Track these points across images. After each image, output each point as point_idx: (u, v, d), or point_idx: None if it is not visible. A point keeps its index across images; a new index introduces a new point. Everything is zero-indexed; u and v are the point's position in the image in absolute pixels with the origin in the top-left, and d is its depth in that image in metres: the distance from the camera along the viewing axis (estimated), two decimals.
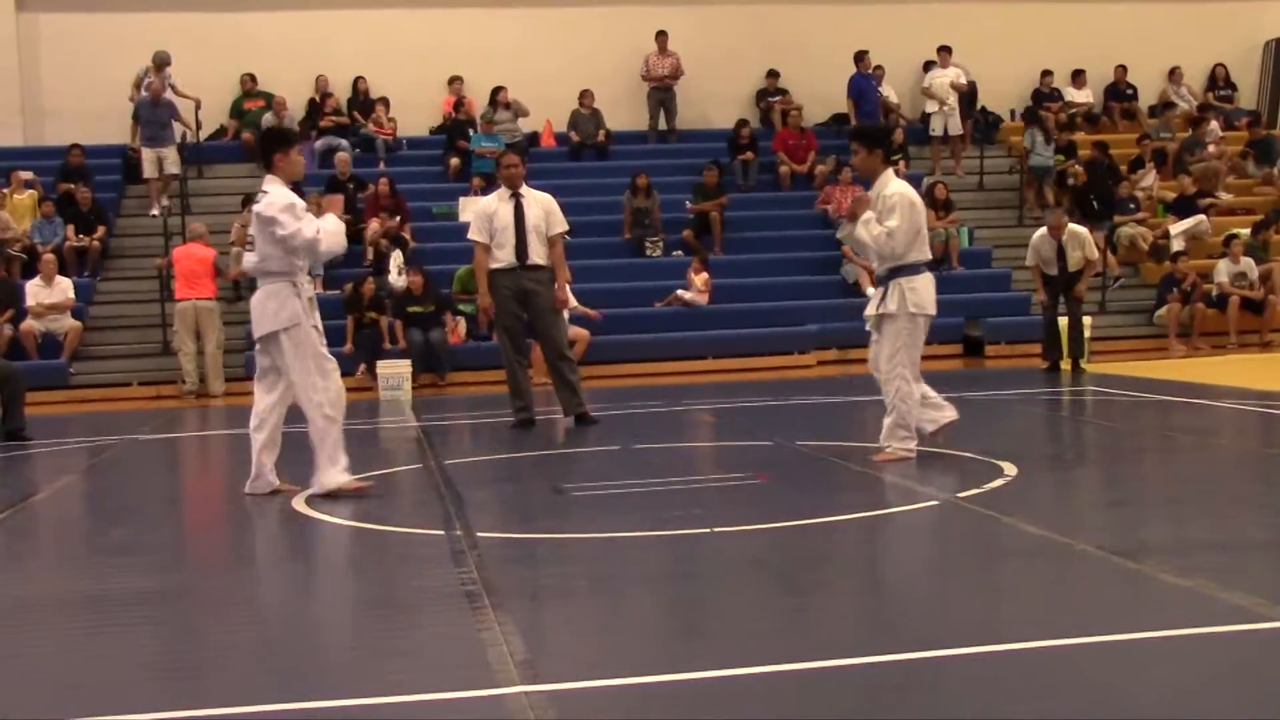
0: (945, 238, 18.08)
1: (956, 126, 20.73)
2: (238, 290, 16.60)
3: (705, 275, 17.02)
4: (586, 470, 8.73)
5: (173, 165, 18.52)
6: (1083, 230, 14.68)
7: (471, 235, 10.68)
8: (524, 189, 10.68)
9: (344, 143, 19.54)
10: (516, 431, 10.49)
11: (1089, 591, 4.92)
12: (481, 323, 11.18)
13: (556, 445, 10.15)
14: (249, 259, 7.59)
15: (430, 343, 15.69)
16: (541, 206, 10.65)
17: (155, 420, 12.97)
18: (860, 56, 20.92)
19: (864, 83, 20.91)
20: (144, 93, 18.59)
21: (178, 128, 18.83)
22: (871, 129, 8.29)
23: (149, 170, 18.40)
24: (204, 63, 19.45)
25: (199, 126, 19.36)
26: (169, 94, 18.74)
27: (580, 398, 10.85)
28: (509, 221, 10.57)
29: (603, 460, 9.17)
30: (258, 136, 8.32)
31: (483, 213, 10.66)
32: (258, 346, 7.70)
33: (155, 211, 18.26)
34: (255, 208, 7.50)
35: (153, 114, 18.40)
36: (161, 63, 18.85)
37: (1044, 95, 21.97)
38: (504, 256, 10.57)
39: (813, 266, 18.25)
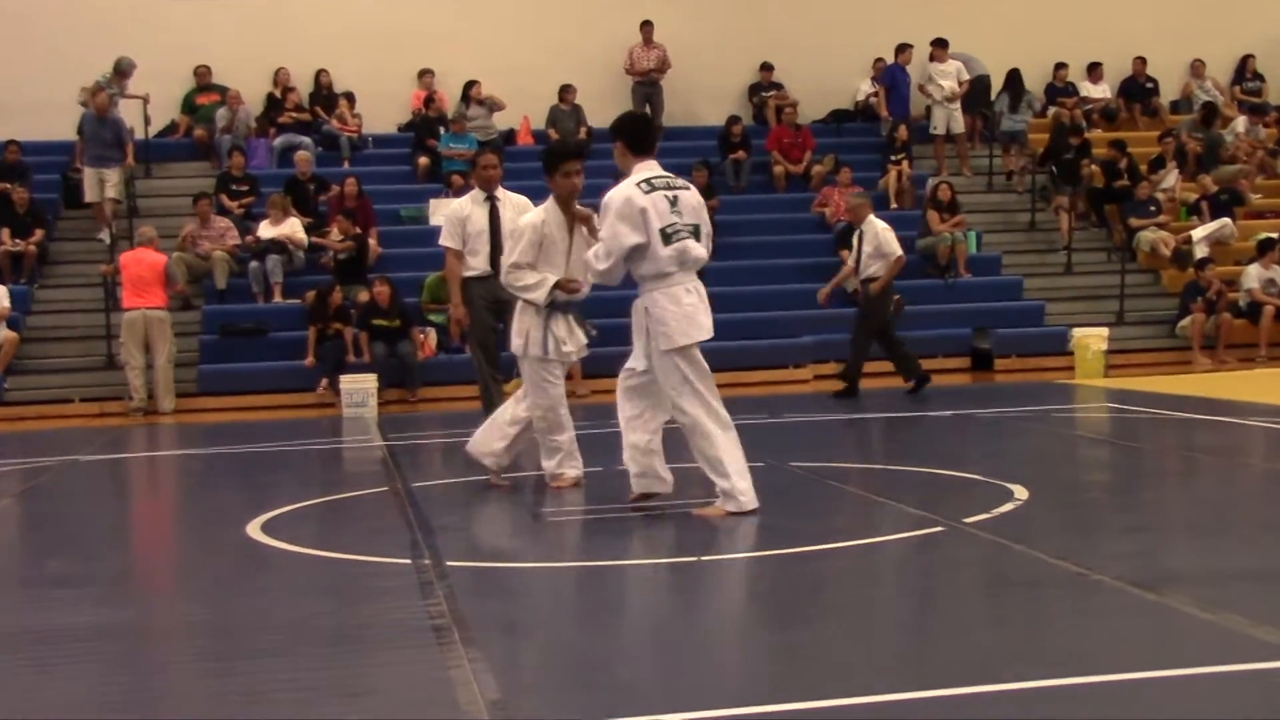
0: (951, 242, 18.13)
1: (959, 124, 20.78)
2: (186, 300, 16.55)
3: None
4: (565, 493, 8.71)
5: (116, 189, 17.72)
6: (880, 224, 14.31)
7: (443, 241, 10.68)
8: (499, 191, 10.69)
9: (305, 140, 19.54)
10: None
11: (1106, 626, 4.92)
12: (454, 334, 11.21)
13: (533, 467, 10.11)
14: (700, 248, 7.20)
15: (398, 356, 15.67)
16: (518, 210, 10.64)
17: (99, 440, 12.92)
18: (902, 49, 20.94)
19: (899, 73, 20.96)
20: (87, 108, 17.84)
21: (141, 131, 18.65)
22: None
23: (90, 193, 17.69)
24: (156, 51, 19.30)
25: (148, 122, 19.28)
26: (117, 109, 18.23)
27: None
28: (484, 226, 10.60)
29: (590, 483, 9.15)
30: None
31: (455, 216, 10.68)
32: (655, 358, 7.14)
33: (104, 236, 17.55)
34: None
35: (98, 131, 17.68)
36: (124, 70, 18.42)
37: (1058, 90, 22.07)
38: (478, 264, 10.58)
39: (809, 274, 18.25)
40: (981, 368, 17.16)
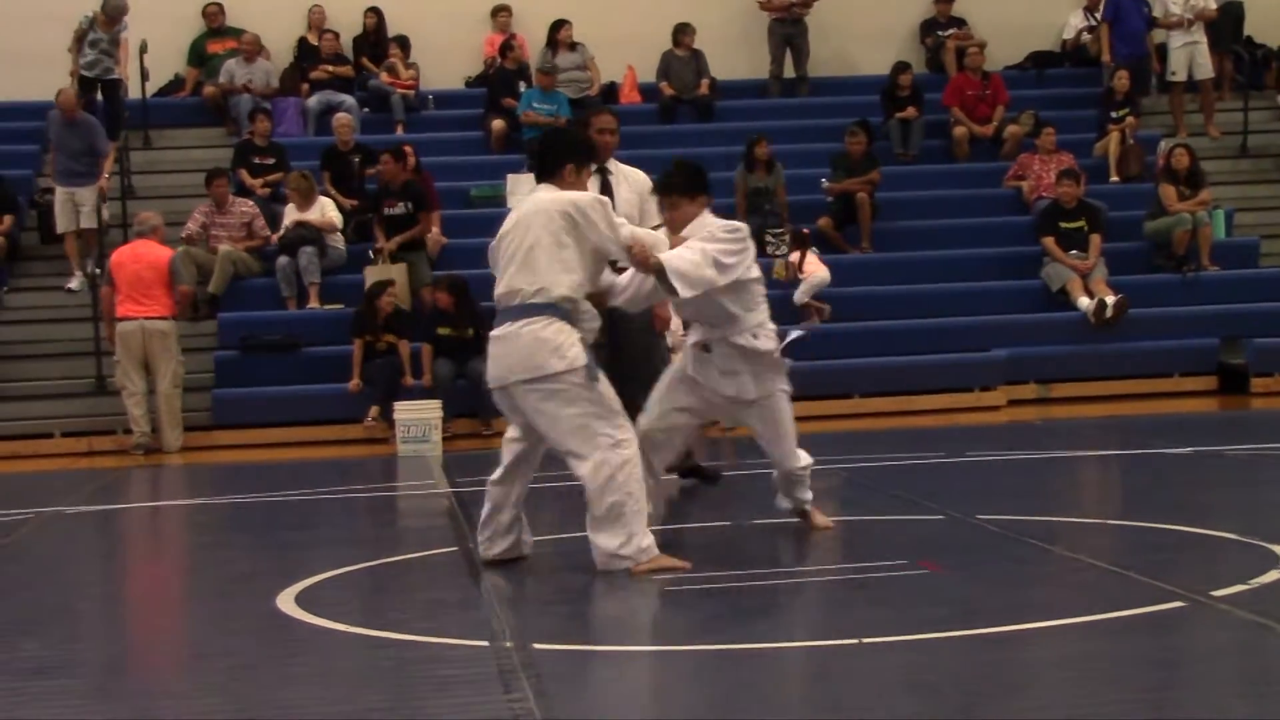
0: (1193, 225, 17.89)
1: (1206, 67, 20.50)
2: (196, 307, 16.69)
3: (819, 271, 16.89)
4: (682, 554, 8.71)
5: (90, 216, 17.45)
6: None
7: None
8: (612, 163, 10.68)
9: (347, 100, 19.79)
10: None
11: None
12: None
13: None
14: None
15: (468, 377, 15.78)
16: (635, 190, 10.62)
17: (86, 486, 13.17)
18: None
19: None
20: (53, 111, 17.69)
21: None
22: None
23: (63, 222, 17.44)
24: None
25: (145, 78, 19.62)
26: (116, 68, 18.61)
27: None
28: None
29: (706, 540, 9.16)
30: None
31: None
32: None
33: (73, 285, 17.38)
34: None
35: (64, 138, 17.50)
36: (115, 12, 18.62)
37: None
38: None
39: (1001, 268, 18.14)
40: (1232, 389, 16.92)
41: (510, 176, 18.81)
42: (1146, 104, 20.65)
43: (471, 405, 15.80)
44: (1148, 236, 18.10)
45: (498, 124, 19.73)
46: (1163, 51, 20.74)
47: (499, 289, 7.89)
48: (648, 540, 7.70)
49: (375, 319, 15.98)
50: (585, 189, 8.14)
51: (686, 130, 20.33)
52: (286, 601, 7.43)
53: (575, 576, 8.15)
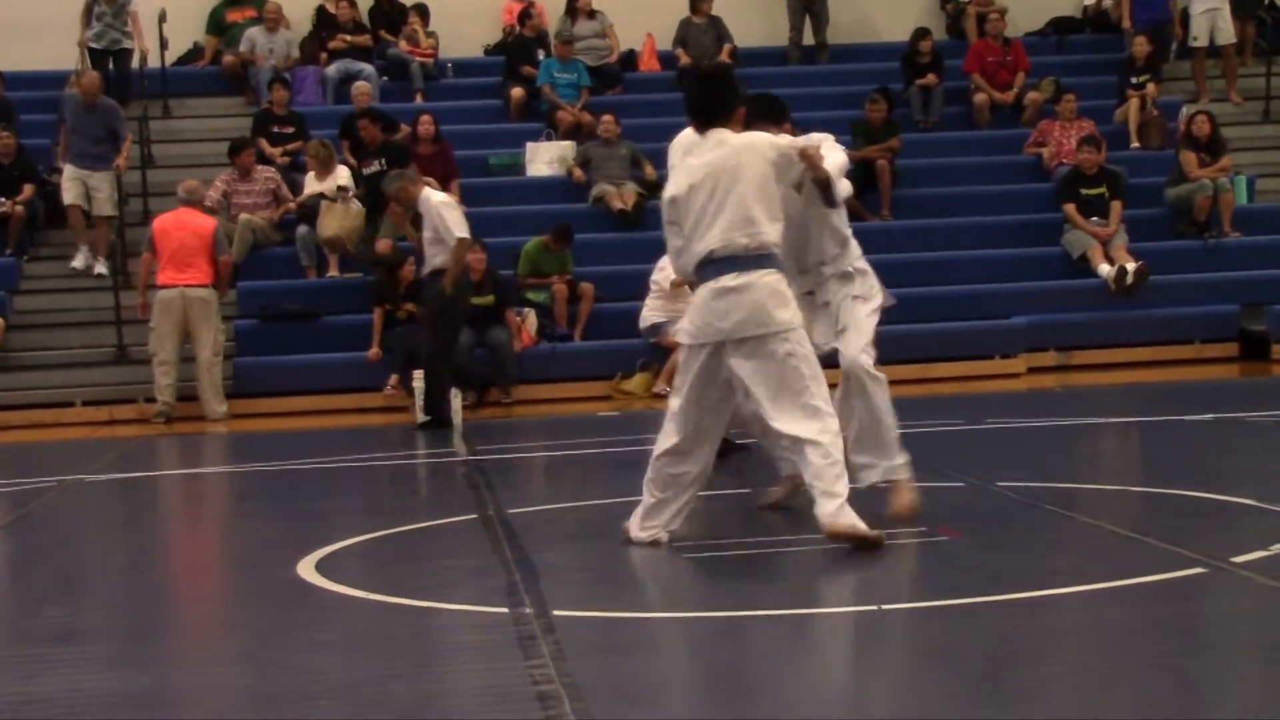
0: (1214, 191, 17.82)
1: (1228, 32, 20.40)
2: (236, 278, 16.66)
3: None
4: (705, 522, 8.72)
5: (106, 203, 17.17)
6: (440, 198, 13.95)
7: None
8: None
9: (366, 68, 19.76)
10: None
11: None
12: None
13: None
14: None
15: (489, 345, 15.80)
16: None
17: (107, 454, 13.23)
18: None
19: None
20: (69, 89, 17.75)
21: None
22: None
23: (69, 193, 17.13)
24: None
25: (164, 47, 19.63)
26: (123, 40, 18.55)
27: None
28: None
29: (727, 507, 9.16)
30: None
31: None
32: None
33: (77, 263, 17.15)
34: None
35: (82, 121, 17.31)
36: None
37: None
38: None
39: (1022, 234, 18.09)
40: (1254, 356, 16.86)
41: (529, 145, 18.84)
42: (1168, 70, 20.54)
43: (492, 374, 15.81)
44: (1169, 203, 18.04)
45: (517, 92, 19.69)
46: (1185, 17, 20.62)
47: (710, 244, 7.35)
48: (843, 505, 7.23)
49: (395, 288, 16.00)
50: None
51: None
52: (308, 569, 7.46)
53: (595, 543, 8.17)
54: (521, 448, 12.97)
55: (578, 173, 18.32)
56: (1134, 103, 19.42)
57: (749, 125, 7.82)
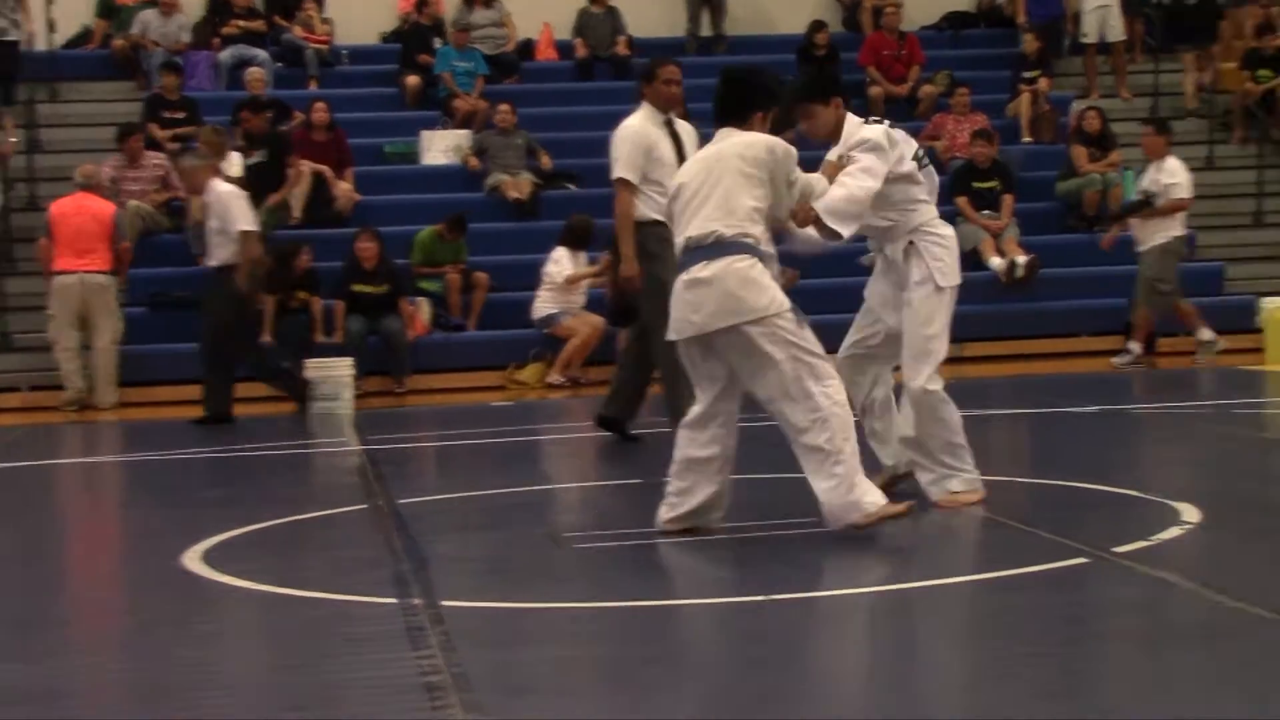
0: (1103, 186, 18.04)
1: (1118, 29, 20.64)
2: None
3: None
4: (599, 513, 8.74)
5: None
6: (226, 188, 13.74)
7: (621, 172, 10.33)
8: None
9: (260, 54, 19.61)
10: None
11: None
12: (625, 289, 10.50)
13: (558, 478, 10.17)
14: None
15: (382, 334, 15.74)
16: (692, 139, 10.63)
17: (3, 442, 13.07)
18: None
19: None
20: None
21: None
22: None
23: None
24: None
25: (52, 29, 19.37)
26: (19, 33, 18.22)
27: None
28: (671, 158, 10.38)
29: (619, 498, 9.17)
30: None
31: (638, 141, 10.37)
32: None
33: None
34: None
35: None
36: None
37: None
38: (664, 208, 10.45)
39: None
40: (1141, 349, 17.07)
41: (425, 133, 18.77)
42: (1060, 65, 20.76)
43: (384, 363, 15.76)
44: (1059, 197, 18.24)
45: (412, 80, 19.62)
46: (1077, 14, 20.85)
47: (688, 232, 7.28)
48: (869, 488, 7.16)
49: (289, 276, 15.89)
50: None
51: (603, 88, 20.27)
52: (193, 559, 7.39)
53: (486, 533, 8.16)
54: (414, 437, 12.93)
55: (473, 162, 18.28)
56: (1026, 97, 19.62)
57: (798, 105, 7.91)
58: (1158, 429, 11.68)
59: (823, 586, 6.40)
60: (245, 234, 13.35)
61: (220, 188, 13.64)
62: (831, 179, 7.60)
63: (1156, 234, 15.44)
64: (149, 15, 19.67)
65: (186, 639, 6.12)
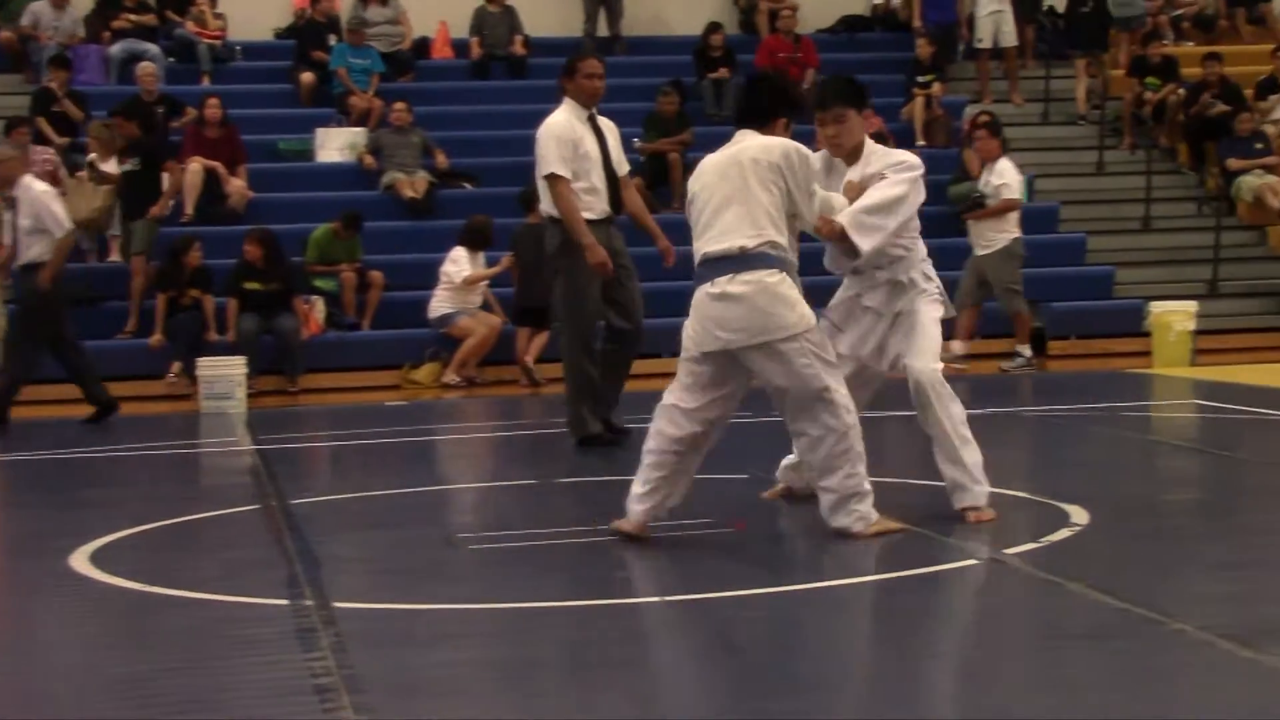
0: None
1: (1010, 35, 20.84)
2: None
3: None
4: (492, 514, 8.72)
5: None
6: (41, 187, 13.30)
7: (551, 167, 10.30)
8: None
9: (152, 49, 19.43)
10: (593, 451, 10.42)
11: (1188, 691, 4.96)
12: (601, 270, 10.36)
13: (453, 479, 10.13)
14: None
15: (275, 333, 15.63)
16: (615, 137, 10.64)
17: None
18: None
19: None
20: None
21: None
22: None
23: None
24: None
25: None
26: None
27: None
28: (597, 154, 10.42)
29: (515, 499, 9.16)
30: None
31: (564, 136, 10.36)
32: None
33: None
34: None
35: None
36: None
37: None
38: (598, 203, 10.41)
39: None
40: (1033, 351, 17.22)
41: (320, 130, 18.66)
42: (954, 70, 20.94)
43: (277, 362, 15.65)
44: (951, 201, 18.35)
45: (307, 77, 19.50)
46: (971, 19, 21.03)
47: (710, 244, 7.09)
48: (870, 500, 7.20)
49: (180, 273, 15.77)
50: None
51: (499, 87, 20.27)
52: (80, 560, 7.30)
53: (379, 534, 8.13)
54: (307, 437, 12.85)
55: (368, 160, 18.19)
56: (919, 101, 19.77)
57: (833, 106, 7.62)
58: (1048, 432, 11.79)
59: (719, 588, 6.40)
60: (68, 233, 13.09)
61: (36, 187, 13.25)
62: (852, 201, 7.44)
63: (996, 238, 15.56)
64: (40, 7, 19.43)
65: (73, 641, 6.06)
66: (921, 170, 7.54)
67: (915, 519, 7.60)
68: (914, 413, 7.76)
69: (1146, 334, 16.54)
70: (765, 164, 7.06)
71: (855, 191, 7.51)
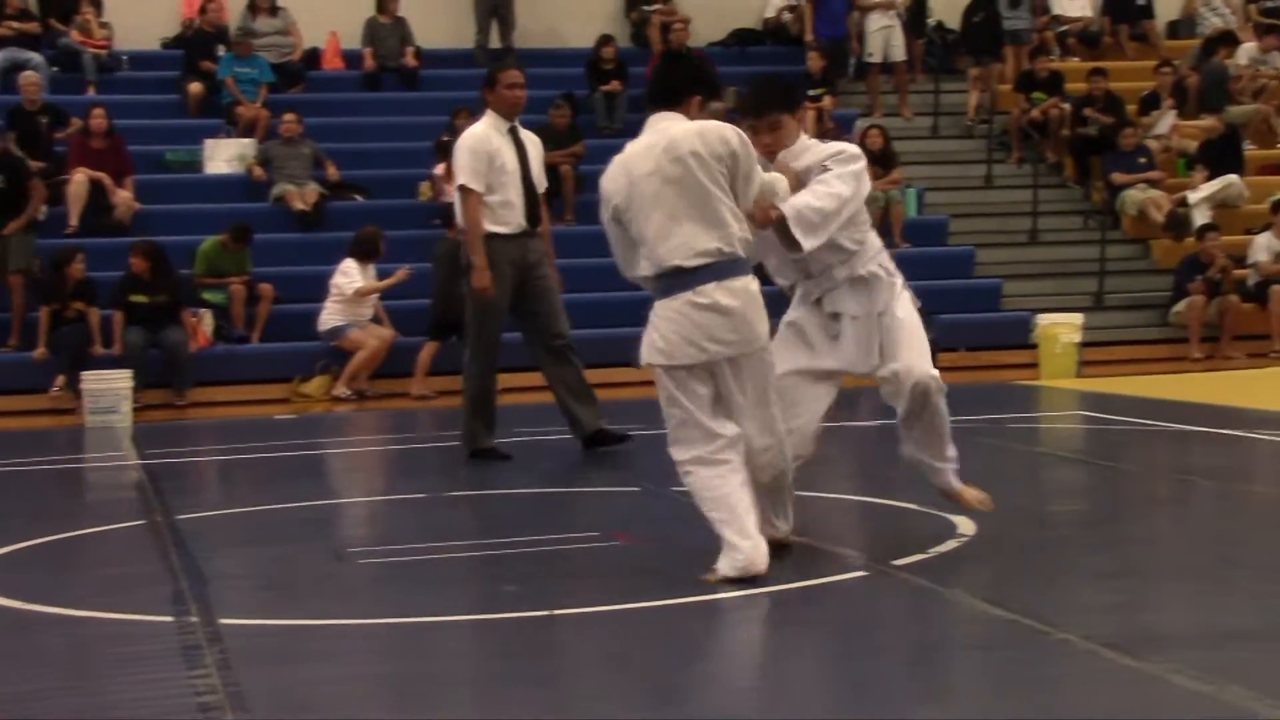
0: (885, 203, 18.33)
1: (900, 49, 21.03)
2: None
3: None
4: (381, 528, 8.68)
5: None
6: None
7: (464, 180, 10.23)
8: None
9: (35, 58, 19.19)
10: (483, 465, 10.38)
11: (1072, 700, 5.01)
12: (481, 293, 10.25)
13: (343, 493, 10.07)
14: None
15: (162, 346, 15.48)
16: (538, 150, 10.60)
17: None
18: None
19: None
20: None
21: None
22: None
23: None
24: None
25: None
26: None
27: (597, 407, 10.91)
28: (515, 165, 10.34)
29: (404, 513, 9.12)
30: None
31: (479, 148, 10.26)
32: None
33: None
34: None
35: None
36: None
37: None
38: (512, 217, 10.35)
39: None
40: None
41: (208, 141, 18.52)
42: (844, 84, 21.09)
43: (164, 375, 15.50)
44: None
45: (195, 87, 19.33)
46: (861, 34, 21.19)
47: (679, 256, 6.60)
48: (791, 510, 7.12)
49: (63, 286, 15.59)
50: None
51: (390, 99, 20.20)
52: None
53: (266, 549, 8.06)
54: (194, 451, 12.72)
55: (258, 171, 18.07)
56: (810, 115, 19.83)
57: (766, 115, 7.09)
58: None
59: (606, 601, 6.40)
60: None
61: None
62: (794, 187, 6.97)
63: None
64: None
65: None
66: (864, 161, 7.07)
67: (802, 530, 7.62)
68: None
69: (1034, 346, 16.71)
70: (709, 156, 6.56)
71: (793, 178, 7.00)
